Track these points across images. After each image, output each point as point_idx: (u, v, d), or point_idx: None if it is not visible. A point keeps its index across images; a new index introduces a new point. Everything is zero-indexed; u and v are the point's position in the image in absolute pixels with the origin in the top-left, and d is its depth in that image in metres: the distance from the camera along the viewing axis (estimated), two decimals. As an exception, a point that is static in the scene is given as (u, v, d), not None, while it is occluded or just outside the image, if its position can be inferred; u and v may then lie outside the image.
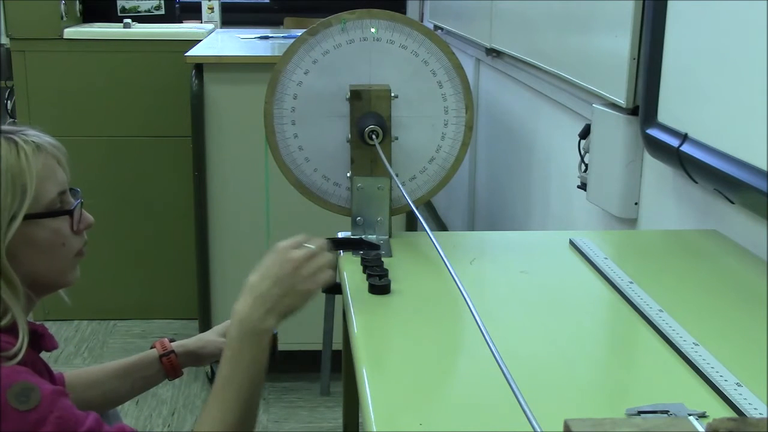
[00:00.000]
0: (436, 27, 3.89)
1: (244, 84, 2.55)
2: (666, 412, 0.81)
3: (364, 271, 1.18)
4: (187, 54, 2.63)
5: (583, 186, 1.90)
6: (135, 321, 3.19)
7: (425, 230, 1.11)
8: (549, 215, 2.36)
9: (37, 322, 1.14)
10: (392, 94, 1.29)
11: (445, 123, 1.33)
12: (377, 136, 1.26)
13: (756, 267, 1.23)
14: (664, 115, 1.47)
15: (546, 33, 2.20)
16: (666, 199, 1.59)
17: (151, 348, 1.40)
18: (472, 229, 3.39)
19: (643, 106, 1.53)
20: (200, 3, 4.10)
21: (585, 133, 1.86)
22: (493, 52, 2.85)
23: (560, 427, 0.62)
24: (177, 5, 3.71)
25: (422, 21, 4.47)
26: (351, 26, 1.30)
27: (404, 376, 0.92)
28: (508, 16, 2.63)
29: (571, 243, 1.32)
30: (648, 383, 0.91)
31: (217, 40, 3.18)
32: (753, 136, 1.18)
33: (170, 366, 1.38)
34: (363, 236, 1.31)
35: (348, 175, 1.32)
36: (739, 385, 0.86)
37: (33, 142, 1.09)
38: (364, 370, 0.92)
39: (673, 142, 1.39)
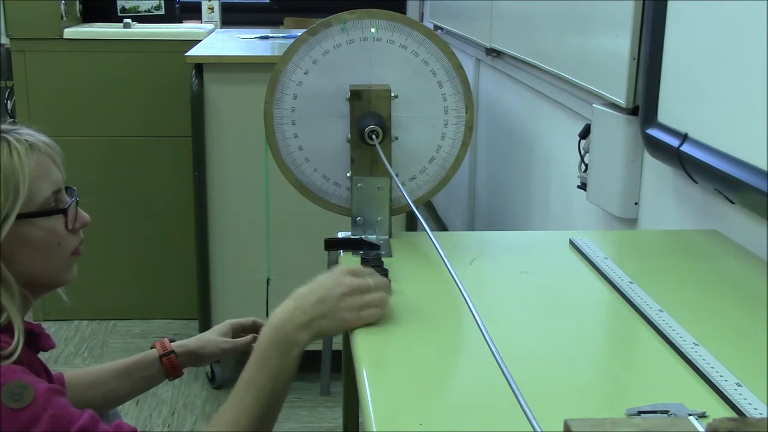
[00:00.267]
0: (436, 27, 3.89)
1: (244, 84, 2.55)
2: (666, 412, 0.81)
3: (364, 271, 1.18)
4: (187, 54, 2.63)
5: (583, 186, 1.90)
6: (135, 321, 3.19)
7: (425, 230, 1.11)
8: (549, 215, 2.36)
9: (34, 322, 1.14)
10: (392, 94, 1.29)
11: (445, 123, 1.33)
12: (377, 136, 1.26)
13: (756, 267, 1.23)
14: (664, 115, 1.47)
15: (546, 33, 2.20)
16: (666, 199, 1.59)
17: (151, 348, 1.40)
18: (472, 229, 3.39)
19: (643, 106, 1.53)
20: (200, 3, 4.10)
21: (585, 133, 1.87)
22: (493, 52, 2.85)
23: (560, 427, 0.62)
24: (177, 5, 3.71)
25: (422, 21, 4.47)
26: (351, 26, 1.30)
27: (404, 376, 0.92)
28: (508, 16, 2.63)
29: (571, 243, 1.32)
30: (648, 383, 0.91)
31: (217, 40, 3.18)
32: (753, 136, 1.18)
33: (170, 366, 1.38)
34: (363, 236, 1.31)
35: (348, 175, 1.32)
36: (739, 385, 0.86)
37: (26, 141, 1.09)
38: (364, 370, 0.92)
39: (673, 142, 1.39)
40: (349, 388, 1.42)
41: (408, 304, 1.09)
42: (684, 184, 1.50)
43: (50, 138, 1.14)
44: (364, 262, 1.18)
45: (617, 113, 1.68)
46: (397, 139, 1.32)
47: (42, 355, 1.17)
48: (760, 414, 0.81)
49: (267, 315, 1.49)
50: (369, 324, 1.03)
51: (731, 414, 0.82)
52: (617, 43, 1.67)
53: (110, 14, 3.49)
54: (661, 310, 1.05)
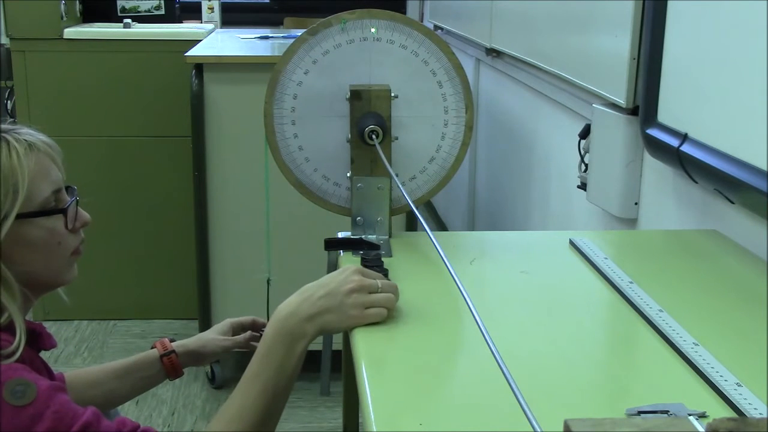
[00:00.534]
0: (436, 27, 3.89)
1: (244, 84, 2.55)
2: (666, 412, 0.81)
3: (364, 271, 1.18)
4: (187, 54, 2.63)
5: (583, 186, 1.90)
6: (135, 321, 3.19)
7: (425, 230, 1.11)
8: (549, 215, 2.36)
9: (36, 322, 1.14)
10: (392, 94, 1.29)
11: (445, 123, 1.33)
12: (377, 136, 1.26)
13: (756, 267, 1.23)
14: (664, 115, 1.47)
15: (546, 33, 2.20)
16: (666, 199, 1.59)
17: (152, 348, 1.40)
18: (472, 229, 3.39)
19: (643, 106, 1.53)
20: (200, 3, 4.10)
21: (585, 133, 1.87)
22: (493, 52, 2.85)
23: (560, 427, 0.62)
24: (177, 5, 3.71)
25: (422, 21, 4.47)
26: (351, 26, 1.30)
27: (404, 376, 0.92)
28: (508, 16, 2.63)
29: (571, 243, 1.32)
30: (648, 383, 0.91)
31: (217, 40, 3.18)
32: (753, 136, 1.18)
33: (171, 366, 1.38)
34: (363, 236, 1.31)
35: (348, 175, 1.32)
36: (739, 385, 0.86)
37: (25, 140, 1.08)
38: (364, 370, 0.92)
39: (673, 142, 1.39)
40: (349, 388, 1.42)
41: (408, 304, 1.09)
42: (684, 184, 1.50)
43: (50, 138, 1.14)
44: (364, 262, 1.18)
45: (617, 113, 1.68)
46: (397, 139, 1.32)
47: (42, 355, 1.17)
48: (760, 414, 0.82)
49: (267, 315, 1.50)
50: (371, 323, 1.03)
51: (731, 414, 0.82)
52: (617, 43, 1.67)
53: (110, 14, 3.49)
54: (661, 310, 1.05)
